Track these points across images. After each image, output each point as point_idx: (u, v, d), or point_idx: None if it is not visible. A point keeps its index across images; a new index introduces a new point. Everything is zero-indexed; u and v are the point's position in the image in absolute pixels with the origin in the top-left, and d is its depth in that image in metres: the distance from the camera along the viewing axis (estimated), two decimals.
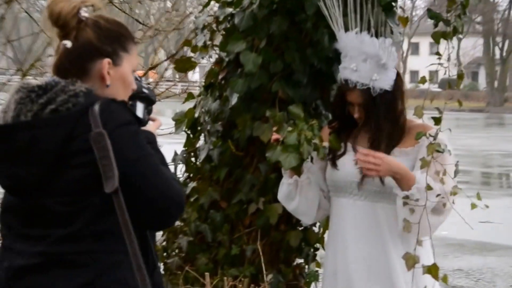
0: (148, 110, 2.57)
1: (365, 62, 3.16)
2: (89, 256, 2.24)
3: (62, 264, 2.25)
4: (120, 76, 2.36)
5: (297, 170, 3.27)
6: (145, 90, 2.53)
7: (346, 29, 3.25)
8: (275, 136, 3.29)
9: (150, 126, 2.52)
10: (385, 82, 3.18)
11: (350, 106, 3.25)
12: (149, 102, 2.58)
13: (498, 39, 53.27)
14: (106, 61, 2.32)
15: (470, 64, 58.23)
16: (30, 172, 2.27)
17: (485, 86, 55.01)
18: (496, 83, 51.29)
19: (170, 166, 3.83)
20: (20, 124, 2.25)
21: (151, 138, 2.38)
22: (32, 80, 2.32)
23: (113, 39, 2.35)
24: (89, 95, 2.26)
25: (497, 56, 52.66)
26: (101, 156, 2.20)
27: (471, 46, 53.21)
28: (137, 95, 2.53)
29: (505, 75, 52.61)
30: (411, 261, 3.08)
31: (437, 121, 3.23)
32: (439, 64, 3.29)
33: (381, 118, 3.21)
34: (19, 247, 2.30)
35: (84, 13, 2.31)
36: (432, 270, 3.12)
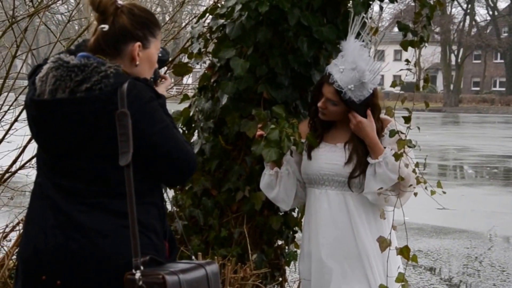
0: (159, 66, 2.61)
1: (352, 71, 3.14)
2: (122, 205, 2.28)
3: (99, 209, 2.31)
4: (147, 57, 2.41)
5: (277, 163, 3.28)
6: (159, 54, 2.54)
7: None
8: (259, 132, 3.29)
9: (160, 88, 2.56)
10: (356, 95, 3.16)
11: (320, 95, 3.24)
12: (162, 62, 2.62)
13: (454, 47, 53.52)
14: (137, 44, 2.37)
15: (429, 69, 58.40)
16: (66, 140, 2.31)
17: (442, 88, 55.24)
18: (452, 86, 51.51)
19: None
20: (59, 100, 2.29)
21: (162, 102, 2.41)
22: (69, 58, 2.34)
23: (144, 25, 2.39)
24: (118, 76, 2.29)
25: (453, 62, 52.91)
26: (121, 133, 2.25)
27: (430, 53, 53.39)
28: None
29: (460, 79, 52.83)
30: (384, 244, 3.11)
31: (407, 120, 3.24)
32: (407, 69, 3.30)
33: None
34: (57, 192, 2.35)
35: (120, 1, 2.37)
36: (404, 251, 3.19)
